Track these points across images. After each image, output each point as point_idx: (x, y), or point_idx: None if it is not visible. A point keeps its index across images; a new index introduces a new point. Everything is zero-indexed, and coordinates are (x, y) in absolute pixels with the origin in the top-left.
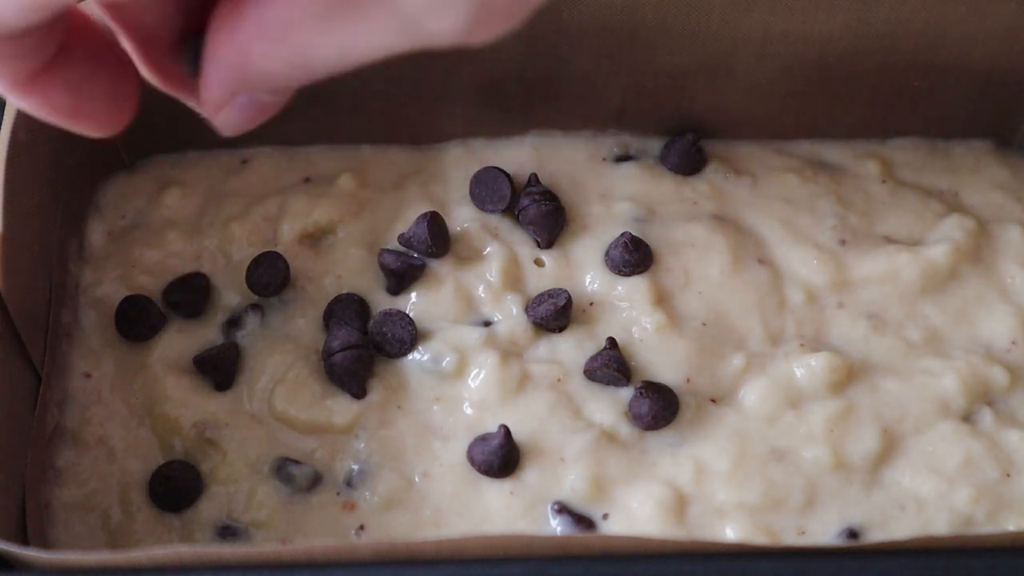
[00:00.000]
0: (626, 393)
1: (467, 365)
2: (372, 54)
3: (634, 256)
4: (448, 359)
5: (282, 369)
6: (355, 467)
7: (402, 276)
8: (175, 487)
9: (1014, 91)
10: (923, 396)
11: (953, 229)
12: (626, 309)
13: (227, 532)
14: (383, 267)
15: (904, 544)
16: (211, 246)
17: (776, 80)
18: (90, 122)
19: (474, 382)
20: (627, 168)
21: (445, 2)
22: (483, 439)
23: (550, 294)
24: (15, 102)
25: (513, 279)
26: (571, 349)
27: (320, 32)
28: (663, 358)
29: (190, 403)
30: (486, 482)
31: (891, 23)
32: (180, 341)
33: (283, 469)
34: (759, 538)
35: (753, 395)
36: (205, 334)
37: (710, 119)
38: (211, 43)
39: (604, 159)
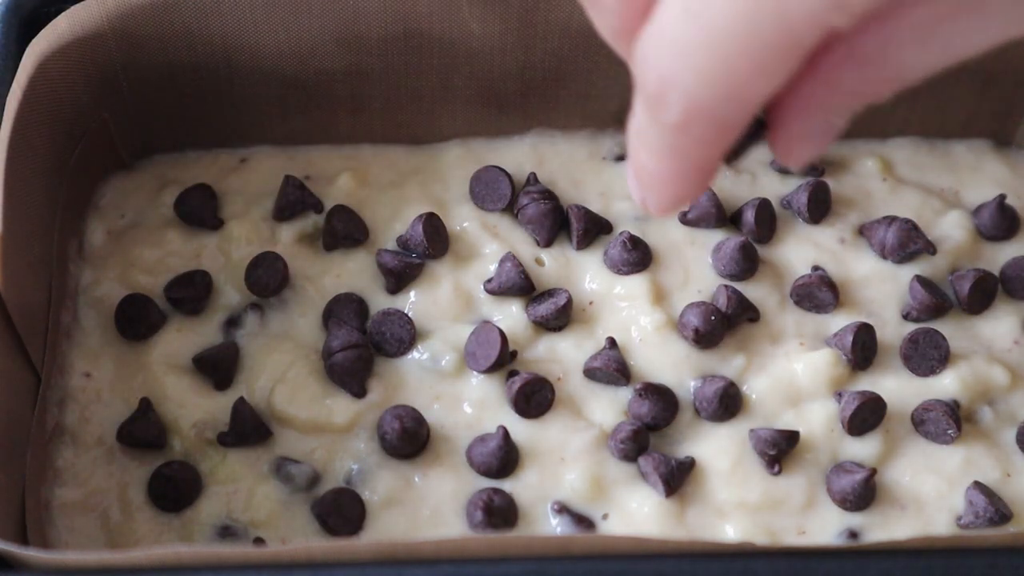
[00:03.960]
0: (626, 393)
1: (466, 364)
2: (983, 48)
3: (633, 255)
4: (447, 358)
5: (281, 368)
6: (355, 467)
7: (400, 275)
8: (175, 487)
9: (1014, 91)
10: (923, 395)
11: (954, 228)
12: (625, 308)
13: (227, 532)
14: (381, 267)
15: (904, 544)
16: (210, 245)
17: None
18: (680, 191)
19: (473, 381)
20: (627, 167)
21: None
22: (482, 440)
23: (550, 293)
24: (675, 188)
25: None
26: (571, 348)
27: (920, 42)
28: (663, 357)
29: (190, 403)
30: (485, 482)
31: None
32: (180, 340)
33: (282, 468)
34: (759, 538)
35: (753, 394)
36: (205, 333)
37: None
38: (801, 82)
39: (604, 158)
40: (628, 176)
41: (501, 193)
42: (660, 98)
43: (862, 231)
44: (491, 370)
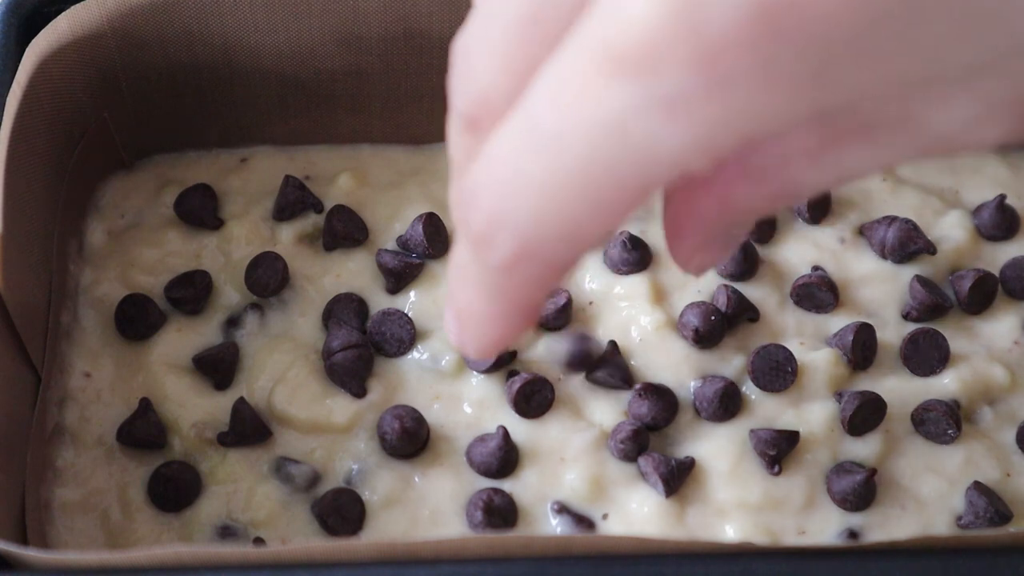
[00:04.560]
0: (626, 393)
1: (466, 364)
2: (875, 171)
3: (632, 255)
4: (447, 358)
5: (281, 368)
6: (355, 467)
7: (400, 276)
8: (175, 487)
9: None
10: (923, 395)
11: (954, 228)
12: (625, 308)
13: (227, 532)
14: (381, 267)
15: (904, 544)
16: (210, 245)
17: None
18: (501, 333)
19: (473, 381)
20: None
21: (991, 115)
22: (481, 440)
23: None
24: (497, 329)
25: None
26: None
27: (813, 165)
28: (662, 357)
29: (190, 403)
30: (485, 482)
31: None
32: (179, 340)
33: (282, 468)
34: (759, 538)
35: (753, 394)
36: (204, 333)
37: None
38: (679, 200)
39: None
40: (446, 315)
41: None
42: (486, 237)
43: (862, 231)
44: (491, 370)
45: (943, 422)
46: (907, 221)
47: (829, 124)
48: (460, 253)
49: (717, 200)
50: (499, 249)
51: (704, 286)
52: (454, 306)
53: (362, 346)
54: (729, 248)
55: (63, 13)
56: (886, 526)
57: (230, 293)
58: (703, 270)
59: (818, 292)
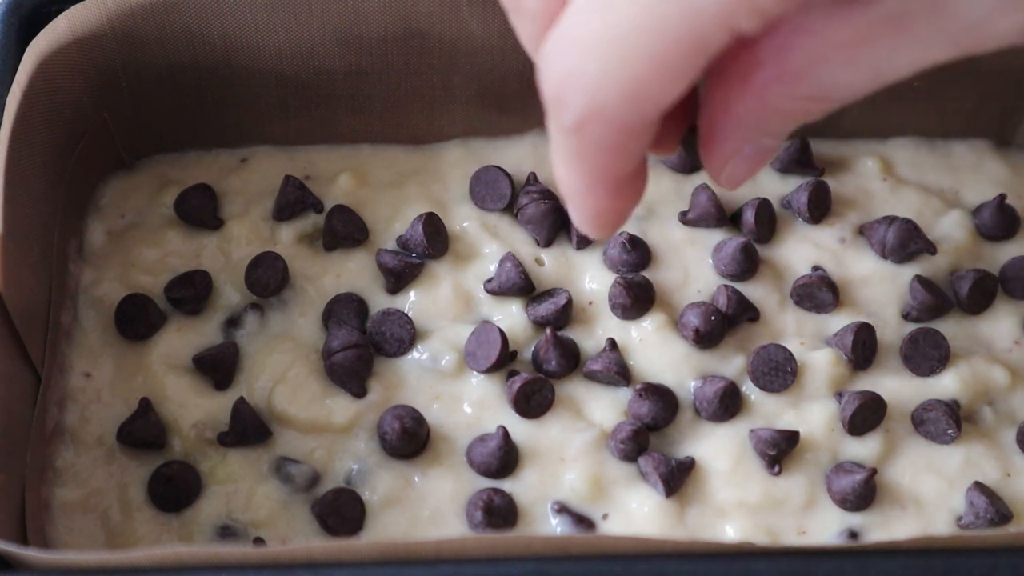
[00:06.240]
0: (626, 393)
1: (466, 364)
2: (908, 71)
3: (632, 255)
4: (447, 358)
5: (281, 368)
6: (355, 467)
7: (400, 275)
8: (175, 487)
9: (1014, 91)
10: (923, 395)
11: (954, 228)
12: None
13: (226, 532)
14: (381, 267)
15: (904, 544)
16: (210, 245)
17: None
18: (596, 205)
19: (473, 381)
20: None
21: (1015, 2)
22: (481, 440)
23: (550, 293)
24: (592, 202)
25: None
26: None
27: (848, 62)
28: (663, 357)
29: (190, 403)
30: (485, 482)
31: None
32: (179, 340)
33: (282, 468)
34: (759, 538)
35: (753, 394)
36: (204, 333)
37: None
38: (717, 101)
39: None
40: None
41: (501, 193)
42: (560, 99)
43: (862, 231)
44: (491, 370)
45: (943, 422)
46: (907, 221)
47: (862, 13)
48: (550, 129)
49: (753, 99)
50: (570, 108)
51: (704, 286)
52: (560, 187)
53: (362, 346)
54: (761, 161)
55: (63, 13)
56: (886, 526)
57: (230, 293)
58: (733, 182)
59: (818, 292)
